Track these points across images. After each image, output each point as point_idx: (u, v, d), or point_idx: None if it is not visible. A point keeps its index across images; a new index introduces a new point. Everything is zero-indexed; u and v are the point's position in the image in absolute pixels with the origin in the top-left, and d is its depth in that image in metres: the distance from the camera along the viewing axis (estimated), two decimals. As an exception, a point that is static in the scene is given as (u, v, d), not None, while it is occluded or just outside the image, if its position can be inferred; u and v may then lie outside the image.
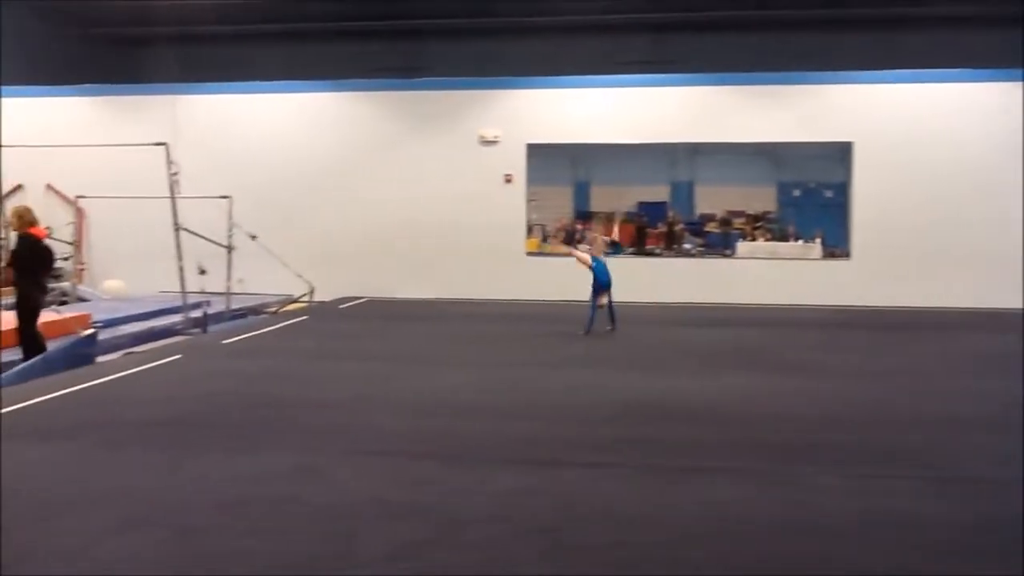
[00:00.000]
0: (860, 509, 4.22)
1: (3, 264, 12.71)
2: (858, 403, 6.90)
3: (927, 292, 15.59)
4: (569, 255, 11.52)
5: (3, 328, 9.29)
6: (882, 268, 16.01)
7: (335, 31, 21.16)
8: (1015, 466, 5.01)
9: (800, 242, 16.72)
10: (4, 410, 6.20)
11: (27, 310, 8.95)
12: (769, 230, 16.83)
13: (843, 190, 16.47)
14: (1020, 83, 15.74)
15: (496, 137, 16.94)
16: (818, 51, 18.96)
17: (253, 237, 13.84)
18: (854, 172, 16.25)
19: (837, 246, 16.52)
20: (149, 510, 4.10)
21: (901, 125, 16.05)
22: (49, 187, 17.58)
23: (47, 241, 9.71)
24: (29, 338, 8.87)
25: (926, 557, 3.67)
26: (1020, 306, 14.72)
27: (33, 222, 9.28)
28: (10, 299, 9.52)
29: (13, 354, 8.99)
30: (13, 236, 9.62)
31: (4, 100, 17.47)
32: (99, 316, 11.92)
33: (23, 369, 8.33)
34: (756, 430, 5.89)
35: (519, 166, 16.95)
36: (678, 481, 4.66)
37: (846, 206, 16.43)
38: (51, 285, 14.13)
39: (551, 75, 17.86)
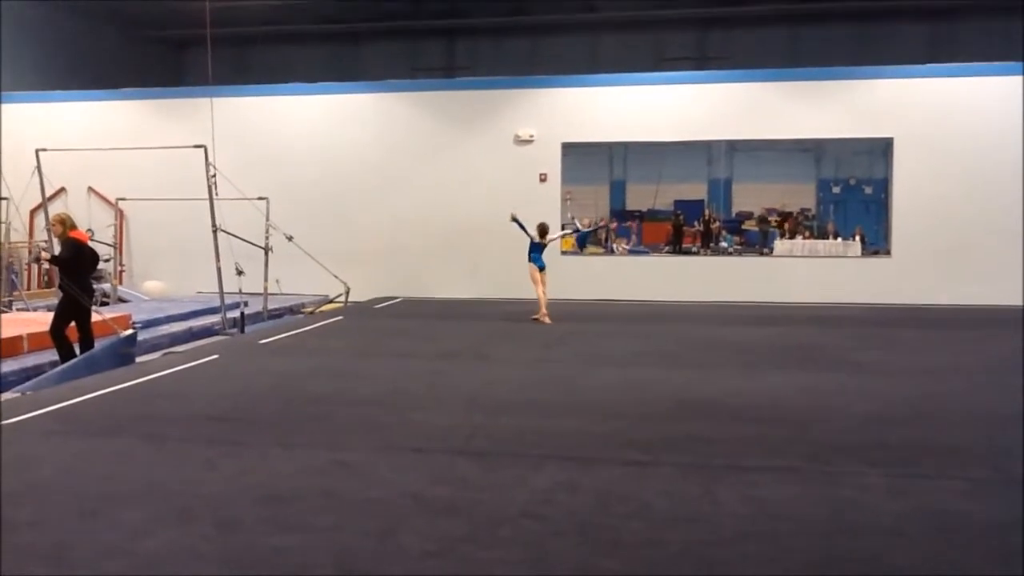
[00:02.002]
0: (907, 509, 4.13)
1: (48, 267, 12.97)
2: (902, 401, 6.77)
3: (969, 290, 15.32)
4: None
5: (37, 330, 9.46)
6: (923, 265, 15.77)
7: (372, 32, 21.32)
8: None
9: (839, 240, 16.50)
10: (46, 409, 6.28)
11: (70, 312, 9.10)
12: (808, 227, 16.63)
13: (883, 187, 16.24)
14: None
15: (531, 136, 16.94)
16: (862, 44, 18.76)
17: (289, 238, 13.95)
18: (894, 168, 16.03)
19: (877, 244, 16.28)
20: (189, 506, 4.12)
21: (942, 120, 15.79)
22: (91, 190, 17.84)
23: (90, 244, 9.88)
24: (60, 340, 9.01)
25: (975, 558, 3.58)
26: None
27: (74, 227, 9.46)
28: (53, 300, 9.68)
29: (46, 356, 9.15)
30: (56, 241, 9.80)
31: (46, 104, 17.79)
32: (139, 317, 12.07)
33: (65, 369, 8.45)
34: (800, 428, 5.80)
35: (554, 165, 16.94)
36: (720, 479, 4.59)
37: (886, 203, 16.20)
38: (93, 286, 14.40)
39: (592, 73, 17.84)
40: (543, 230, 12.51)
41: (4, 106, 16.45)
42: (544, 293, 12.42)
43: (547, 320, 12.12)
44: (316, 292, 16.09)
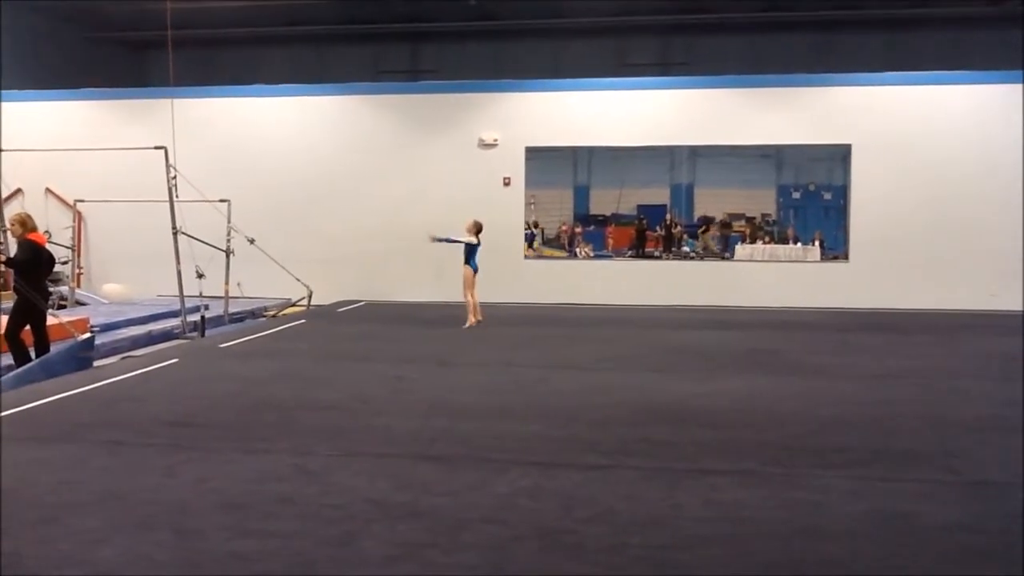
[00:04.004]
0: (866, 511, 4.19)
1: (3, 269, 12.73)
2: (861, 405, 6.87)
3: (924, 294, 15.62)
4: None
5: None
6: (880, 270, 16.03)
7: (338, 34, 21.20)
8: (1017, 467, 5.00)
9: (799, 245, 16.71)
10: (1, 414, 6.17)
11: (26, 315, 8.95)
12: (768, 232, 16.83)
13: (842, 192, 16.49)
14: (1020, 85, 15.75)
15: (495, 140, 16.96)
16: (823, 52, 19.02)
17: (251, 241, 13.84)
18: (852, 174, 16.28)
19: (835, 249, 16.52)
20: (147, 513, 4.07)
21: (899, 127, 16.07)
22: (48, 191, 17.55)
23: (47, 246, 9.73)
24: (15, 343, 8.88)
25: (931, 559, 3.64)
26: (1018, 308, 14.73)
27: (34, 228, 9.30)
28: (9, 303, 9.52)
29: (1, 360, 8.99)
30: (13, 242, 9.63)
31: (6, 104, 17.47)
32: (97, 320, 11.89)
33: (21, 373, 8.31)
34: (760, 432, 5.86)
35: (518, 169, 16.98)
36: (682, 483, 4.63)
37: (845, 208, 16.44)
38: (50, 289, 14.14)
39: (555, 78, 17.93)
40: (480, 228, 12.38)
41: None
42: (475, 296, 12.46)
43: (477, 319, 12.29)
44: (278, 295, 15.96)
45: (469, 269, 12.32)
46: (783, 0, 18.57)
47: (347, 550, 3.65)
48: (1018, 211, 15.50)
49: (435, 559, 3.56)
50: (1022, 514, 4.08)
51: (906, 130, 16.03)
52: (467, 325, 12.19)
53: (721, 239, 17.12)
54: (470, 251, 12.34)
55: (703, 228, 17.10)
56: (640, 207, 17.24)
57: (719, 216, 17.10)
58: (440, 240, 12.49)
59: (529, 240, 17.23)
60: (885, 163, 16.09)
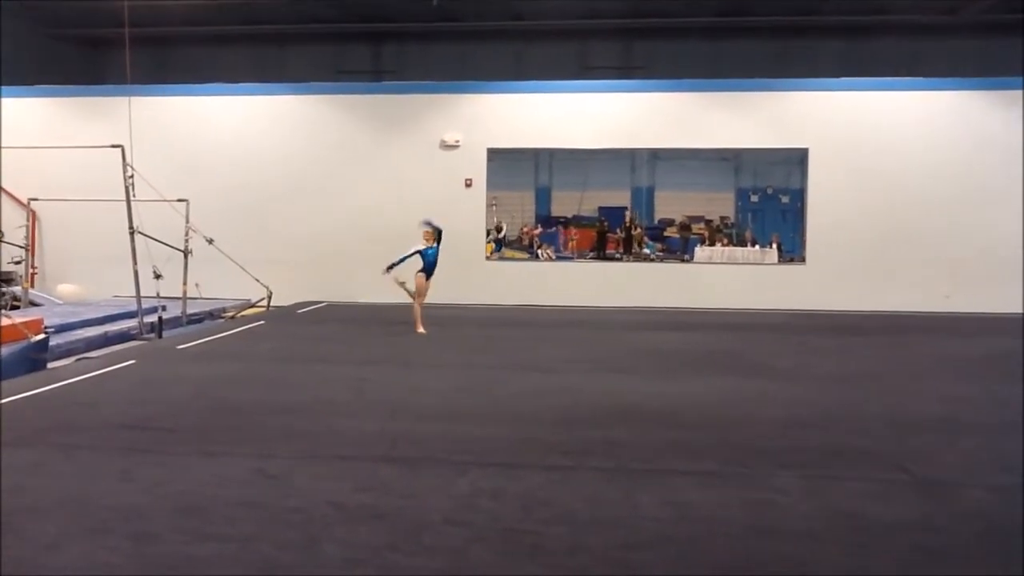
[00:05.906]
0: (823, 511, 4.26)
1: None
2: (818, 405, 6.97)
3: (879, 296, 15.91)
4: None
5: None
6: (836, 273, 16.29)
7: (298, 34, 21.02)
8: (978, 467, 5.11)
9: (757, 247, 16.93)
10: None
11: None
12: (727, 235, 17.02)
13: (799, 196, 16.71)
14: (973, 92, 16.13)
15: (457, 142, 16.96)
16: (781, 57, 19.23)
17: (210, 241, 13.70)
18: (809, 178, 16.52)
19: (792, 252, 16.75)
20: (103, 518, 4.02)
21: (855, 132, 16.35)
22: (1, 189, 17.23)
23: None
24: None
25: (886, 558, 3.71)
26: (970, 310, 15.05)
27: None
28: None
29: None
30: None
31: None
32: (52, 321, 11.69)
33: (-28, 375, 8.14)
34: (719, 432, 5.92)
35: (480, 171, 17.00)
36: (641, 484, 4.67)
37: (802, 211, 16.67)
38: (2, 289, 13.89)
39: (517, 80, 17.98)
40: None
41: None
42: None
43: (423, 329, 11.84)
44: (237, 296, 15.81)
45: (421, 277, 11.96)
46: (743, 5, 18.75)
47: (308, 553, 3.63)
48: (970, 216, 15.90)
49: (397, 561, 3.56)
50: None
51: (862, 135, 16.32)
52: (420, 331, 11.88)
53: (681, 241, 17.29)
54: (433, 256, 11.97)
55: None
56: (601, 209, 17.34)
57: (679, 219, 17.25)
58: (394, 266, 11.78)
59: (497, 247, 17.21)
60: (841, 167, 16.36)
